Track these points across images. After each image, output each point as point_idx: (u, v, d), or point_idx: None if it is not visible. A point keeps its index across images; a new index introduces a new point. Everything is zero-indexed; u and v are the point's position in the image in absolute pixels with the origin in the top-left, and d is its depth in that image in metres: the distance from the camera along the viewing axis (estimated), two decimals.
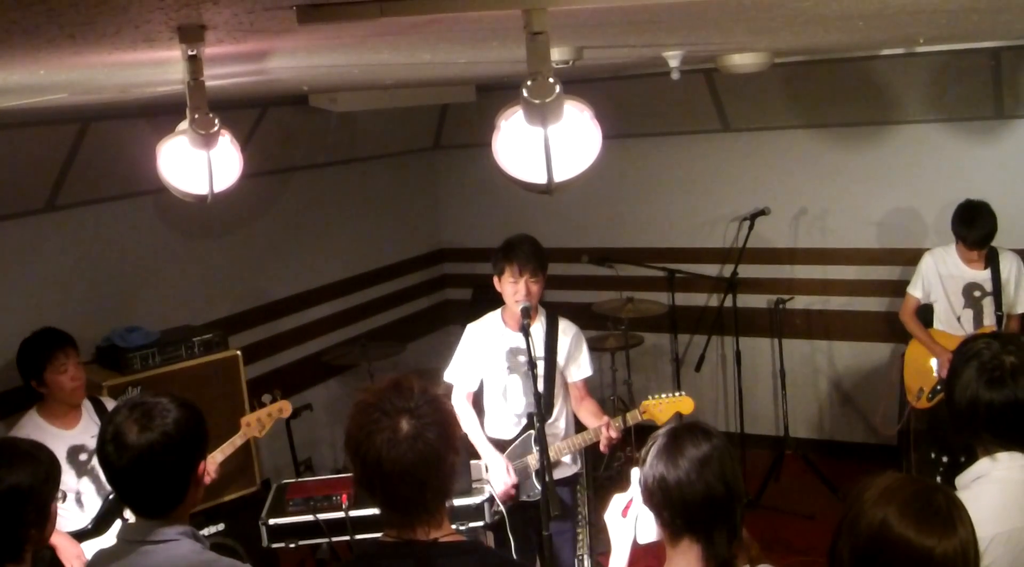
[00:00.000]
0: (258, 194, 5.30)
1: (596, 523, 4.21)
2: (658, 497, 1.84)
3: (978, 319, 4.62)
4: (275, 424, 3.91)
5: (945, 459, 4.65)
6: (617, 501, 2.08)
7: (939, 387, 4.67)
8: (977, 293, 4.61)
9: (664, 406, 3.71)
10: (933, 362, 4.74)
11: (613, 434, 3.67)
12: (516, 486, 3.68)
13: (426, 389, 1.87)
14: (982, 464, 2.15)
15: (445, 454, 1.81)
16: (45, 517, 2.09)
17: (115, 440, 1.95)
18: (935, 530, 1.51)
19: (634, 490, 2.03)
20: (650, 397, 3.78)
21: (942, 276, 4.67)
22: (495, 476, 3.67)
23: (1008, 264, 4.57)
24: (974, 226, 4.47)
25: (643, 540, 2.04)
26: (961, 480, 2.18)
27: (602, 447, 3.74)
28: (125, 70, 2.17)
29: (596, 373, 3.97)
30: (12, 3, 1.08)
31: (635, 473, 2.04)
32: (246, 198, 4.17)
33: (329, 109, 4.90)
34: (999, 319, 4.57)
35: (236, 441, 3.64)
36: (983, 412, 2.13)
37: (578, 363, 3.86)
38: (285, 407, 3.84)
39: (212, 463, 3.34)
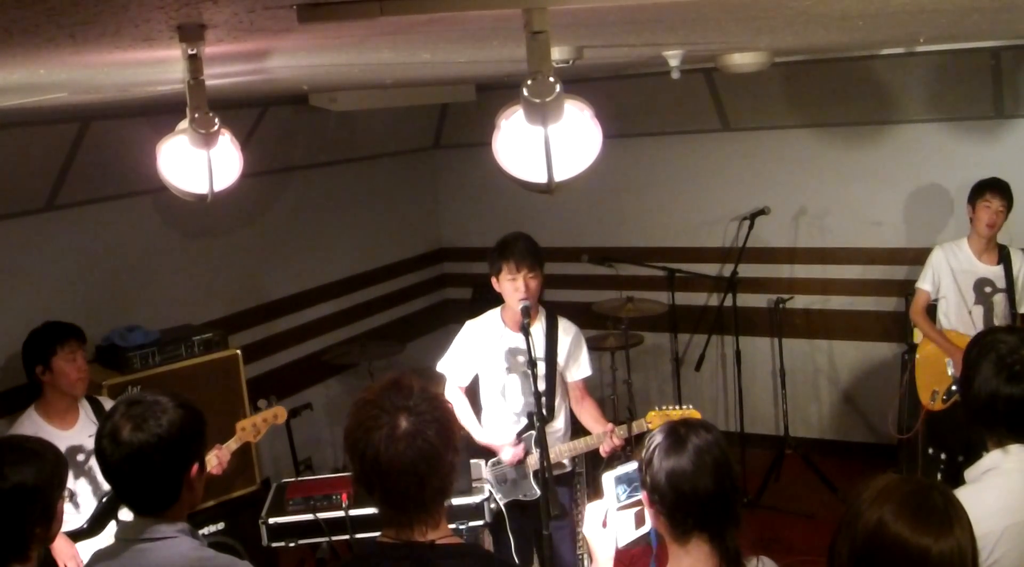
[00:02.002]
0: (258, 194, 5.30)
1: None
2: (670, 496, 1.82)
3: (988, 316, 4.57)
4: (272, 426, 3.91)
5: (943, 456, 4.64)
6: (594, 512, 2.08)
7: (954, 388, 4.59)
8: (988, 289, 4.57)
9: (672, 418, 3.68)
10: (948, 362, 4.65)
11: (617, 442, 3.66)
12: (525, 450, 3.70)
13: (425, 388, 1.86)
14: (993, 456, 2.16)
15: (444, 452, 1.80)
16: (51, 516, 2.08)
17: (111, 436, 1.97)
18: (931, 529, 1.50)
19: (609, 499, 2.03)
20: (656, 408, 3.75)
21: (953, 270, 4.62)
22: (498, 443, 3.70)
23: (1020, 262, 4.55)
24: (989, 179, 4.50)
25: (623, 543, 2.05)
26: (971, 473, 2.19)
27: (603, 452, 3.74)
28: (125, 70, 2.17)
29: (596, 372, 3.97)
30: (12, 3, 1.08)
31: (606, 479, 2.04)
32: (246, 198, 4.18)
33: (329, 109, 4.89)
34: (1013, 318, 4.53)
35: (231, 445, 3.64)
36: (1002, 407, 2.14)
37: (578, 363, 3.86)
38: (280, 413, 3.82)
39: (208, 464, 3.32)
